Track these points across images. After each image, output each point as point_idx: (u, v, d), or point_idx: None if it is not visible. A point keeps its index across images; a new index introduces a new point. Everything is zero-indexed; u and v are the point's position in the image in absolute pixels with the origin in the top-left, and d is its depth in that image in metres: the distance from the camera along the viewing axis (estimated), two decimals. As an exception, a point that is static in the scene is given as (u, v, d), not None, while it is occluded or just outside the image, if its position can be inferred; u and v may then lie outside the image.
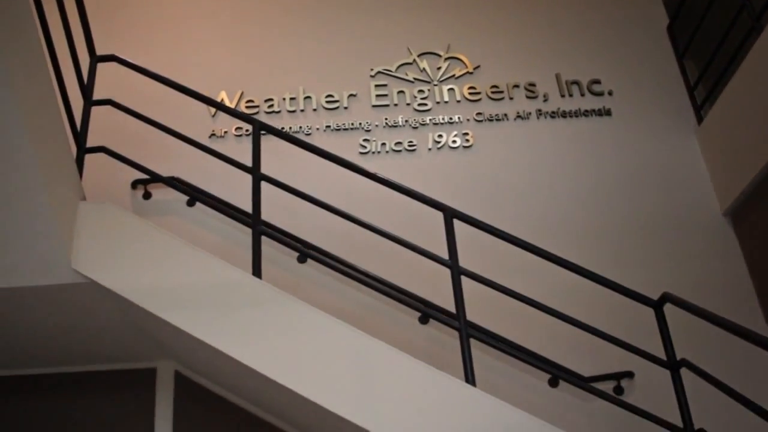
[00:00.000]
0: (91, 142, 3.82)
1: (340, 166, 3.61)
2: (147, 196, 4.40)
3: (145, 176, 4.13)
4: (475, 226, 3.35)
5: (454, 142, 4.78)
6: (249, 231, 3.41)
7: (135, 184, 4.40)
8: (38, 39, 3.08)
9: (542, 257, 3.36)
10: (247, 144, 4.62)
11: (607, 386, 3.92)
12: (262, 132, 3.61)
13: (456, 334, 3.17)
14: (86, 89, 3.82)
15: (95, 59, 3.94)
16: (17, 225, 3.06)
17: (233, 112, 4.24)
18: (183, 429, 3.95)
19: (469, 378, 3.01)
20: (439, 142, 4.79)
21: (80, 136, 3.72)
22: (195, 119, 4.67)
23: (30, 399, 4.12)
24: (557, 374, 3.29)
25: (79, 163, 3.65)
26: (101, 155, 3.85)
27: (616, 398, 3.28)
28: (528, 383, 4.00)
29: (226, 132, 4.76)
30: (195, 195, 3.75)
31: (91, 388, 4.09)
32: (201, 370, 3.95)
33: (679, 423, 3.15)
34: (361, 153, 4.71)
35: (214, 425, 3.96)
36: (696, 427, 3.11)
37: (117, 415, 4.02)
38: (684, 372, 3.19)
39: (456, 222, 3.34)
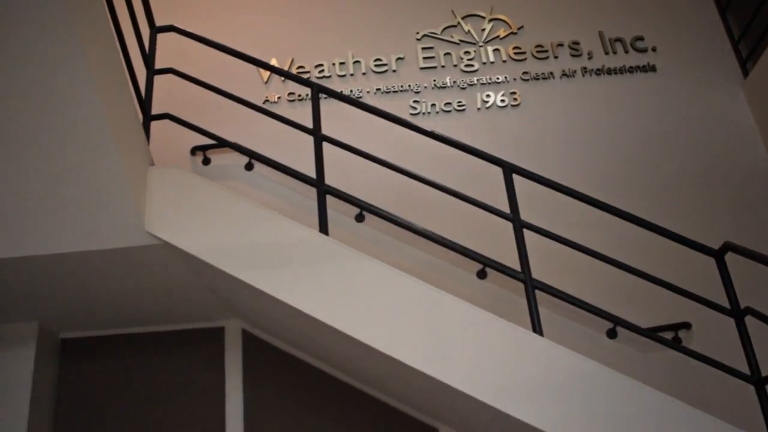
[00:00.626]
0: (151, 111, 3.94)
1: (397, 126, 3.68)
2: (206, 162, 4.50)
3: (204, 143, 4.25)
4: (535, 180, 3.41)
5: (501, 101, 4.83)
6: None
7: (194, 151, 4.50)
8: (104, 11, 3.18)
9: (601, 209, 3.40)
10: (300, 109, 4.76)
11: (666, 337, 3.98)
12: (322, 96, 3.69)
13: (514, 289, 3.25)
14: (148, 59, 3.92)
15: (155, 30, 4.05)
16: (92, 191, 3.18)
17: (292, 77, 4.30)
18: (252, 384, 4.11)
19: (536, 328, 3.10)
20: (487, 102, 4.83)
21: (145, 103, 3.83)
22: (247, 87, 4.75)
23: (104, 359, 4.30)
24: (619, 321, 3.34)
25: (146, 130, 3.76)
26: (159, 124, 3.96)
27: (682, 347, 3.33)
28: (586, 335, 4.08)
29: (279, 98, 4.85)
30: (260, 156, 3.83)
31: (163, 347, 4.27)
32: (267, 327, 4.09)
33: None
34: (412, 114, 4.77)
35: (281, 380, 4.11)
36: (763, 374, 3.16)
37: (189, 373, 4.19)
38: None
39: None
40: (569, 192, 3.40)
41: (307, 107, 4.23)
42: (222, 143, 3.95)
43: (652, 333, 3.45)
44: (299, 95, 4.82)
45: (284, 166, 3.73)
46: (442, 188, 3.46)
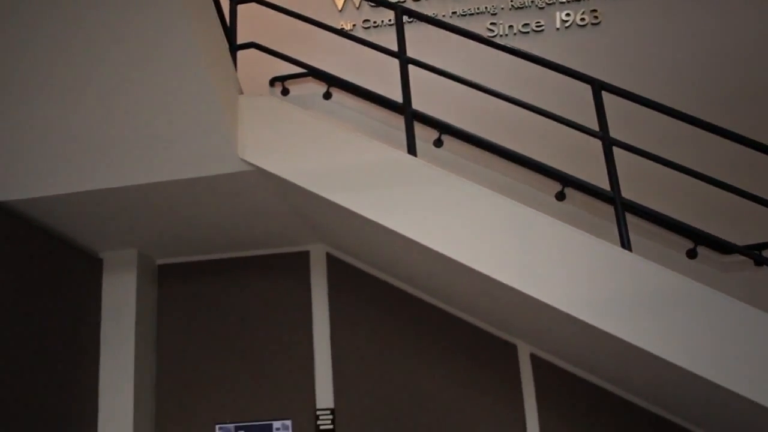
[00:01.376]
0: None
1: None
2: (285, 92, 4.57)
3: (282, 73, 4.32)
4: (625, 96, 3.37)
5: (581, 20, 4.72)
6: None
7: (273, 82, 4.58)
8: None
9: (693, 125, 3.35)
10: (375, 36, 4.74)
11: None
12: (409, 20, 3.69)
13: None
14: (231, -11, 3.98)
15: (236, -38, 4.10)
16: (187, 120, 3.28)
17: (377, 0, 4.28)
18: (336, 304, 4.29)
19: (625, 244, 3.12)
20: (566, 22, 4.74)
21: (230, 33, 3.90)
22: (321, 16, 4.76)
23: (199, 283, 4.52)
24: (708, 237, 3.32)
25: (233, 59, 3.84)
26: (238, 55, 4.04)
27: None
28: (662, 254, 4.08)
29: (354, 25, 4.85)
30: (346, 82, 3.88)
31: (253, 271, 4.46)
32: (351, 250, 4.21)
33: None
34: (489, 37, 4.72)
35: (364, 299, 4.26)
36: None
37: (278, 294, 4.39)
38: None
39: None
40: (660, 108, 3.35)
41: (382, 34, 4.26)
42: (312, 71, 4.00)
43: (739, 246, 3.42)
44: (374, 22, 4.80)
45: (371, 92, 3.77)
46: (529, 106, 3.44)
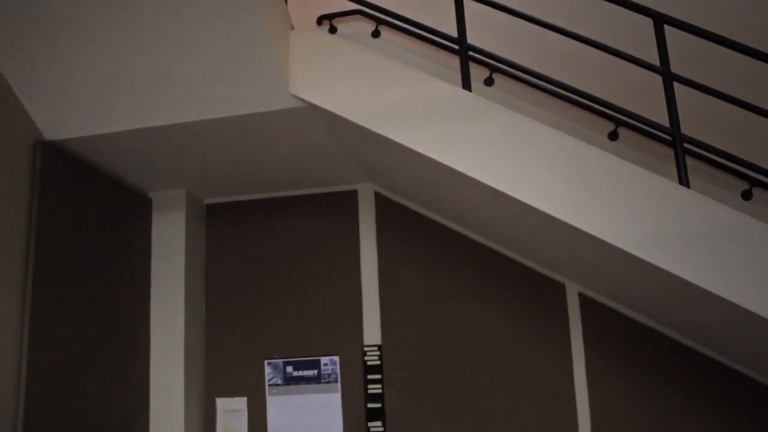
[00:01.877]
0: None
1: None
2: (333, 30, 4.54)
3: (330, 11, 4.27)
4: (687, 30, 3.28)
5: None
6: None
7: (320, 20, 4.53)
8: None
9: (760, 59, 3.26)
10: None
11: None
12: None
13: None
14: None
15: None
16: (238, 56, 3.26)
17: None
18: (385, 243, 4.32)
19: (683, 181, 3.07)
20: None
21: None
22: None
23: (247, 222, 4.57)
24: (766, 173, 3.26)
25: (282, -5, 3.80)
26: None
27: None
28: (715, 195, 4.02)
29: (401, -39, 4.78)
30: (396, 16, 3.81)
31: (301, 210, 4.50)
32: (399, 189, 4.21)
33: None
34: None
35: (413, 240, 4.28)
36: None
37: (326, 233, 4.42)
38: None
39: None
40: (722, 41, 3.25)
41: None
42: (361, 5, 3.93)
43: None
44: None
45: (422, 26, 3.72)
46: (585, 39, 3.37)
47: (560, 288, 4.09)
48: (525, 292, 4.12)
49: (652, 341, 3.94)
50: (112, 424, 3.88)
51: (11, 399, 3.23)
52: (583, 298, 4.05)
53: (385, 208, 4.37)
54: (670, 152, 3.63)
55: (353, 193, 4.44)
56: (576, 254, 3.53)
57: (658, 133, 3.65)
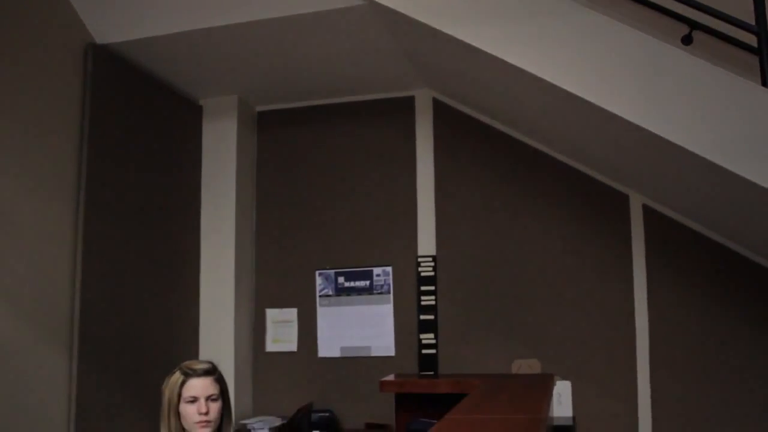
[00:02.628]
0: None
1: None
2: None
3: None
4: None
5: None
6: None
7: None
8: None
9: None
10: None
11: None
12: None
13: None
14: None
15: None
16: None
17: None
18: (442, 152, 4.23)
19: (767, 81, 2.89)
20: None
21: None
22: None
23: (298, 129, 4.49)
24: None
25: None
26: None
27: None
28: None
29: None
30: None
31: (354, 117, 4.41)
32: (460, 95, 4.08)
33: None
34: None
35: (471, 148, 4.18)
36: None
37: (381, 141, 4.33)
38: None
39: None
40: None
41: None
42: None
43: None
44: None
45: None
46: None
47: (624, 199, 3.96)
48: (587, 204, 4.00)
49: (717, 256, 3.80)
50: (163, 333, 3.91)
51: (67, 304, 3.25)
52: (647, 209, 3.92)
53: (443, 114, 4.24)
54: (751, 60, 3.40)
55: (410, 100, 4.31)
56: (644, 162, 3.38)
57: (737, 38, 3.41)
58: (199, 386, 2.06)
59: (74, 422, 3.18)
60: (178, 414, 2.06)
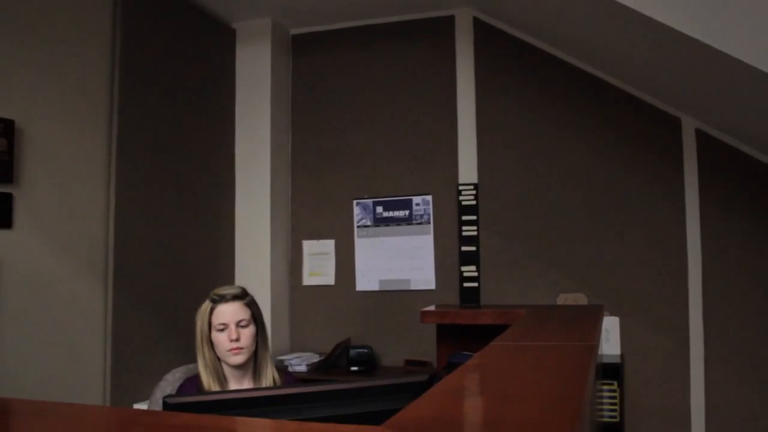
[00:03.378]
0: None
1: None
2: None
3: None
4: None
5: None
6: None
7: None
8: None
9: None
10: None
11: None
12: None
13: None
14: None
15: None
16: None
17: None
18: (484, 75, 4.00)
19: None
20: None
21: None
22: None
23: (333, 52, 4.30)
24: None
25: None
26: None
27: None
28: None
29: None
30: None
31: (391, 38, 4.20)
32: (502, 12, 3.84)
33: None
34: None
35: (514, 70, 3.96)
36: None
37: (419, 64, 4.12)
38: None
39: None
40: None
41: None
42: None
43: None
44: None
45: None
46: None
47: (676, 123, 3.71)
48: (637, 129, 3.77)
49: (776, 182, 3.57)
50: (199, 265, 3.83)
51: (102, 236, 3.17)
52: (700, 134, 3.67)
53: (484, 35, 4.00)
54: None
55: (450, 19, 4.07)
56: (698, 81, 3.13)
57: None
58: (228, 312, 1.95)
59: (111, 354, 3.14)
60: (211, 344, 1.96)
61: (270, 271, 4.10)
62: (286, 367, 3.92)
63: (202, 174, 3.89)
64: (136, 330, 3.30)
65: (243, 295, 2.00)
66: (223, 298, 1.96)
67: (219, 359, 1.96)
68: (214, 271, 3.94)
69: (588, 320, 2.20)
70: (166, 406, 1.01)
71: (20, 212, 2.75)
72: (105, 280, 3.16)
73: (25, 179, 2.78)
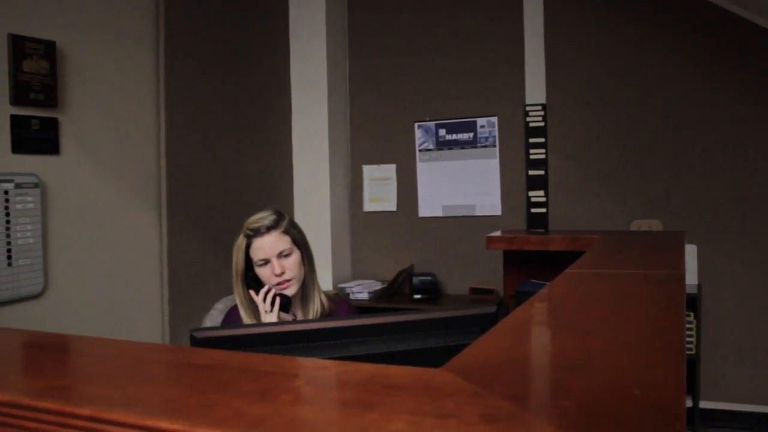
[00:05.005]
0: None
1: None
2: None
3: None
4: None
5: None
6: None
7: None
8: None
9: None
10: None
11: None
12: None
13: None
14: None
15: None
16: None
17: None
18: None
19: None
20: None
21: None
22: None
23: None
24: None
25: None
26: None
27: None
28: None
29: None
30: None
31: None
32: None
33: None
34: None
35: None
36: None
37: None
38: None
39: None
40: None
41: None
42: None
43: None
44: None
45: None
46: None
47: (764, 33, 3.36)
48: (721, 43, 3.44)
49: None
50: (254, 193, 3.72)
51: (154, 165, 3.09)
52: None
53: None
54: None
55: None
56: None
57: None
58: (266, 245, 1.79)
59: (167, 283, 3.10)
60: (245, 281, 1.82)
61: (329, 198, 3.98)
62: (348, 295, 3.83)
63: (255, 97, 3.76)
64: (192, 258, 3.25)
65: (278, 222, 1.81)
66: (257, 232, 1.79)
67: (251, 300, 1.82)
68: (270, 198, 3.84)
69: (671, 247, 2.00)
70: (194, 340, 0.89)
71: (67, 138, 2.67)
72: (158, 207, 3.09)
73: (70, 104, 2.69)
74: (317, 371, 0.69)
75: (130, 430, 0.55)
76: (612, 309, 1.02)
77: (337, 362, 0.73)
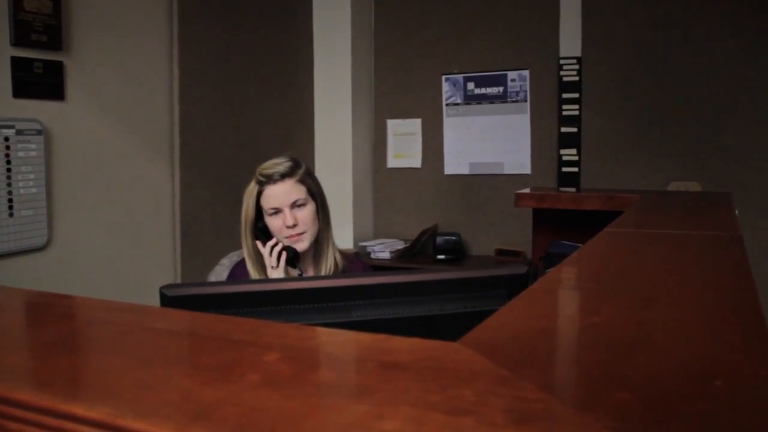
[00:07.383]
0: None
1: None
2: None
3: None
4: None
5: None
6: None
7: None
8: None
9: None
10: None
11: None
12: None
13: None
14: None
15: None
16: None
17: None
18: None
19: None
20: None
21: None
22: None
23: None
24: None
25: None
26: None
27: None
28: None
29: None
30: None
31: None
32: None
33: None
34: None
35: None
36: None
37: None
38: None
39: None
40: None
41: None
42: None
43: None
44: None
45: None
46: None
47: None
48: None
49: None
50: (273, 142, 3.57)
51: (166, 115, 2.95)
52: None
53: None
54: None
55: None
56: None
57: None
58: (279, 193, 1.65)
59: (180, 235, 2.98)
60: (254, 232, 1.67)
61: (352, 152, 3.83)
62: (369, 254, 3.70)
63: (275, 46, 3.59)
64: (207, 211, 3.12)
65: (294, 170, 1.68)
66: (270, 179, 1.65)
67: (258, 253, 1.68)
68: (290, 151, 3.69)
69: (719, 208, 1.82)
70: (164, 299, 0.74)
71: (73, 82, 2.53)
72: (171, 157, 2.96)
73: (76, 46, 2.54)
74: (299, 342, 0.54)
75: (34, 415, 0.41)
76: (667, 274, 0.85)
77: (326, 330, 0.58)
